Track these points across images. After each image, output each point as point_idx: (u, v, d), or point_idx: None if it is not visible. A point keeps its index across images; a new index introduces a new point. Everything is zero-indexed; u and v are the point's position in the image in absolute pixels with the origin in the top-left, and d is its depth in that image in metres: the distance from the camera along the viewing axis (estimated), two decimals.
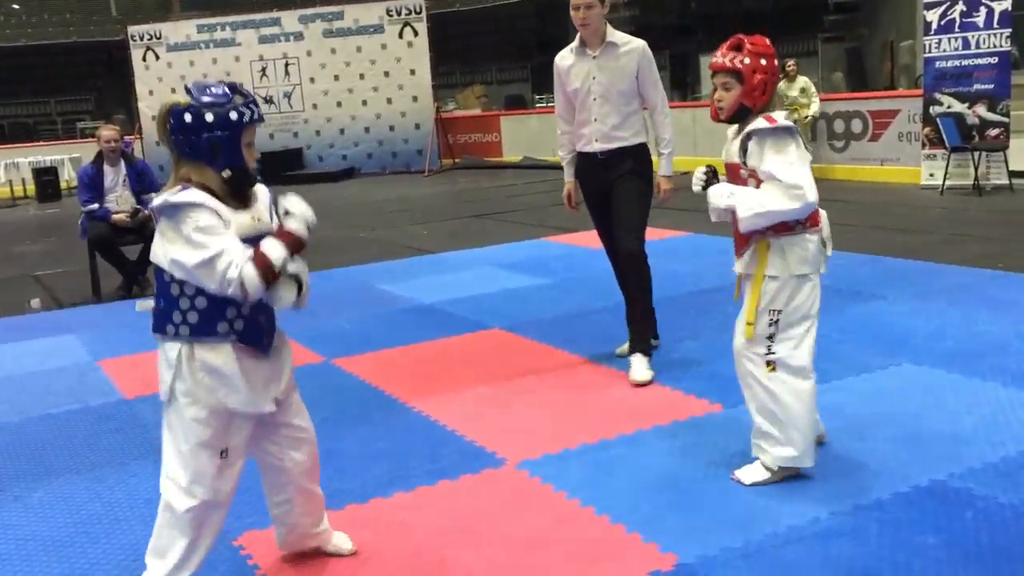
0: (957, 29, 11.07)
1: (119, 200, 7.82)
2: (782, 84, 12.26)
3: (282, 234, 2.64)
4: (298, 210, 2.67)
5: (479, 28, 27.42)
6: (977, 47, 10.94)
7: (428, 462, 3.93)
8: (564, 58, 4.93)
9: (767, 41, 3.38)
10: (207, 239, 2.54)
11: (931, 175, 11.33)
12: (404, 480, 3.75)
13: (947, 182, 10.98)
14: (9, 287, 8.87)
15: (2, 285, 9.05)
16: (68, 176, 18.42)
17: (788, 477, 3.47)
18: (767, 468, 3.46)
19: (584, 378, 4.91)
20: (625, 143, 4.82)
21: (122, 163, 7.88)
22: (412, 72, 18.52)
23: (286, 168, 18.05)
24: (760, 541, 3.06)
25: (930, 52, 11.35)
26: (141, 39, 19.45)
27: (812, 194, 3.25)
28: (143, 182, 7.95)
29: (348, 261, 8.81)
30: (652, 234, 9.05)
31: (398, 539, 3.27)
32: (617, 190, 4.84)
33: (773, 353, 3.38)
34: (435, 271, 8.19)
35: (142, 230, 7.85)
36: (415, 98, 18.64)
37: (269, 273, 2.57)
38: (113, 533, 3.47)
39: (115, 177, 7.82)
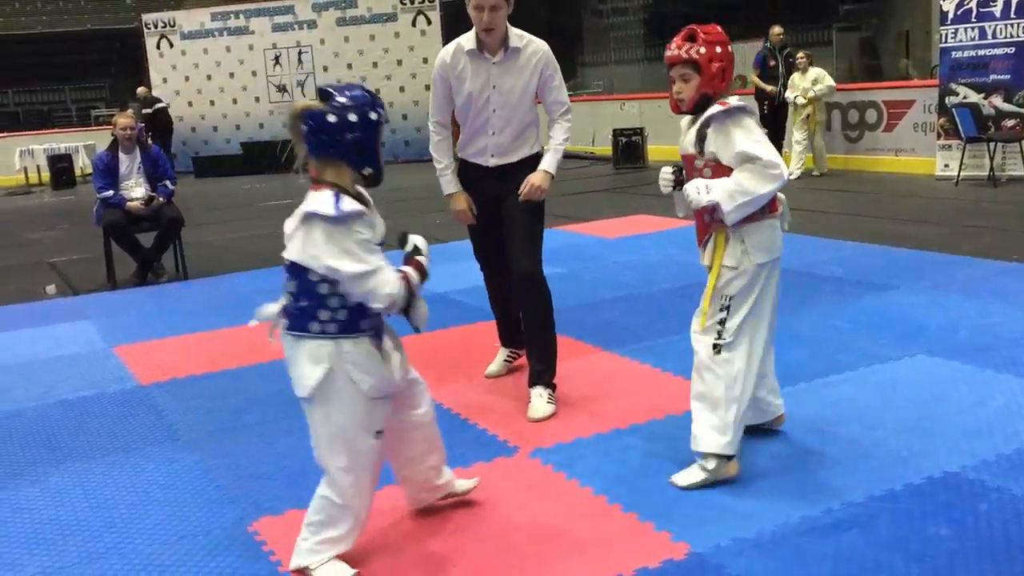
0: (973, 19, 11.01)
1: (134, 187, 7.86)
2: (795, 76, 12.16)
3: (416, 265, 2.98)
4: (424, 247, 3.06)
5: None
6: (994, 37, 10.87)
7: None
8: (455, 61, 4.32)
9: (719, 28, 3.42)
10: (366, 255, 2.79)
11: (946, 166, 11.28)
12: None
13: (962, 173, 10.93)
14: (24, 273, 8.93)
15: (17, 271, 9.11)
16: (82, 163, 18.50)
17: (728, 479, 3.41)
18: (703, 469, 3.42)
19: (596, 367, 4.91)
20: (523, 155, 4.40)
21: (137, 150, 7.93)
22: (425, 61, 18.44)
23: None
24: (772, 531, 3.06)
25: (946, 42, 11.28)
26: (155, 27, 19.52)
27: (786, 169, 3.32)
28: (157, 169, 8.00)
29: None
30: (665, 224, 9.13)
31: (410, 526, 3.29)
32: (511, 206, 4.35)
33: (722, 339, 3.41)
34: (447, 260, 8.13)
35: (157, 217, 7.90)
36: (427, 87, 18.59)
37: (413, 294, 2.91)
38: (129, 518, 3.50)
39: (130, 164, 7.88)
